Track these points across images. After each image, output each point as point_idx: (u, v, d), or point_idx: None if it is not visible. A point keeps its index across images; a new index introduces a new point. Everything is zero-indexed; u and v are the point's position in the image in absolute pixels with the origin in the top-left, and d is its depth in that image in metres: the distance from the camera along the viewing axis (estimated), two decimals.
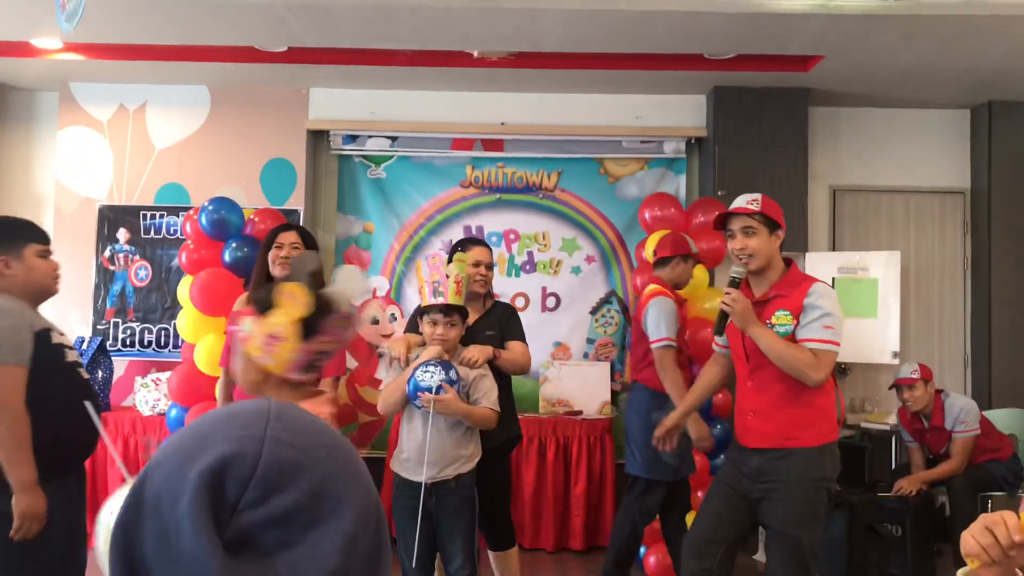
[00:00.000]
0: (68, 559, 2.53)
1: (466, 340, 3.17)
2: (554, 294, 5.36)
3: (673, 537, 3.81)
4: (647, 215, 4.67)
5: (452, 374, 2.88)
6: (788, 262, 2.90)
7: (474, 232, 5.36)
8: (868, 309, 4.85)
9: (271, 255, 3.32)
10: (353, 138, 5.36)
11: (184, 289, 4.56)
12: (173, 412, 4.53)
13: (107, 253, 5.23)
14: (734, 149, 5.05)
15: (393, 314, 5.32)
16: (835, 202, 5.43)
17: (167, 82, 5.26)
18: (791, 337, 2.75)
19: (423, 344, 3.08)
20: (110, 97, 5.30)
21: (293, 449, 0.64)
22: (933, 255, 5.44)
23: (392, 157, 5.39)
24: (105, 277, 5.23)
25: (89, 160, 5.28)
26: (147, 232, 5.23)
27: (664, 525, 3.91)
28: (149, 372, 5.05)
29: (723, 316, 2.85)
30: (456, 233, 5.35)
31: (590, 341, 5.32)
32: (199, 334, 4.46)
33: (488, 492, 3.30)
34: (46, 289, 2.63)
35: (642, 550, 4.27)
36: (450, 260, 3.32)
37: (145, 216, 5.25)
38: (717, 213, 3.02)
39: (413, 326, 3.26)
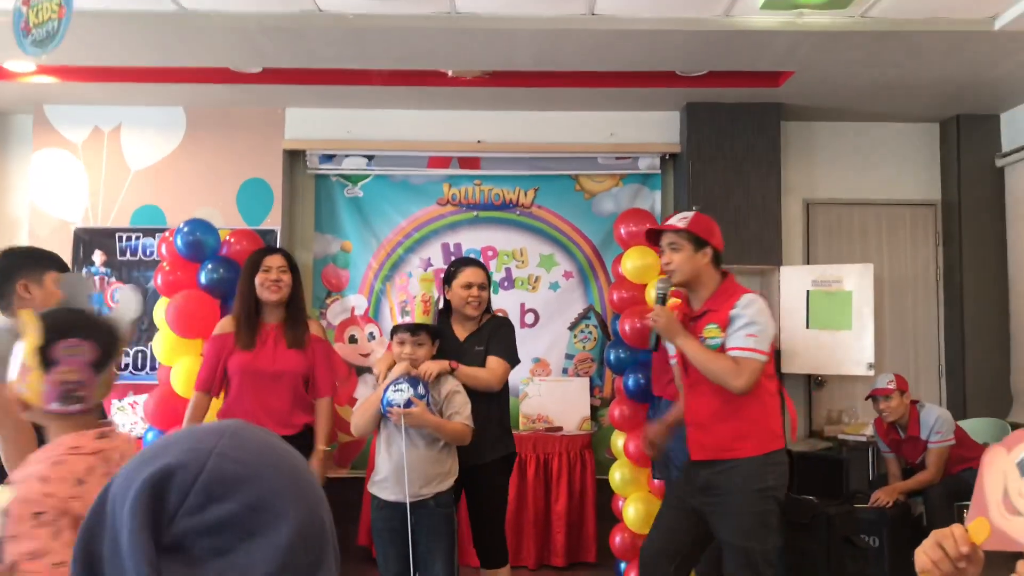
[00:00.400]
0: None
1: (457, 355, 3.19)
2: (532, 310, 5.38)
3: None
4: (623, 230, 4.69)
5: (421, 389, 2.93)
6: (725, 275, 2.96)
7: (452, 249, 5.37)
8: (843, 321, 4.89)
9: (258, 279, 3.33)
10: (330, 157, 5.37)
11: (160, 311, 4.53)
12: (150, 435, 4.49)
13: None
14: (708, 164, 5.10)
15: (372, 333, 5.32)
16: (809, 215, 5.49)
17: (142, 104, 5.25)
18: (721, 349, 2.80)
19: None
20: (85, 119, 5.29)
21: (238, 464, 0.69)
22: (906, 266, 5.50)
23: (369, 176, 5.40)
24: None
25: (64, 182, 5.26)
26: (123, 254, 5.21)
27: None
28: (126, 395, 5.01)
29: (654, 332, 2.93)
30: (434, 250, 5.36)
31: (569, 356, 5.33)
32: (175, 356, 4.43)
33: (482, 508, 3.30)
34: None
35: (623, 565, 4.27)
36: (447, 283, 3.34)
37: (121, 238, 5.23)
38: (647, 227, 3.10)
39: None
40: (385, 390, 2.94)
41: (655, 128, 5.38)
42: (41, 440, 2.38)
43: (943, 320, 5.45)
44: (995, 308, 5.21)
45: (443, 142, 5.34)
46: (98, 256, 5.21)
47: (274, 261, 3.36)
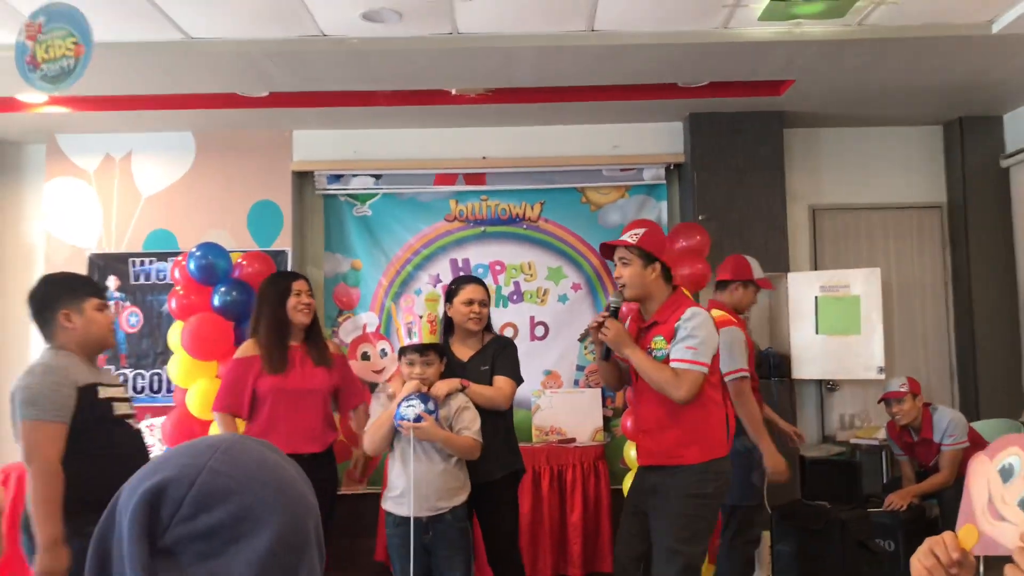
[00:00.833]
0: None
1: (461, 375, 3.26)
2: (542, 323, 5.41)
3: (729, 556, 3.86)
4: None
5: (430, 405, 3.03)
6: (675, 288, 3.07)
7: (460, 264, 5.42)
8: (851, 326, 4.91)
9: (291, 303, 3.46)
10: (337, 177, 5.43)
11: (175, 334, 4.60)
12: None
13: None
14: (712, 173, 5.13)
15: (384, 349, 5.37)
16: (815, 221, 5.51)
17: (152, 130, 5.34)
18: (667, 360, 2.91)
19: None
20: (96, 147, 5.38)
21: (227, 478, 0.78)
22: (914, 269, 5.51)
23: (377, 194, 5.46)
24: None
25: (77, 210, 5.34)
26: (137, 279, 5.28)
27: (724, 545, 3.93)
28: (143, 418, 5.07)
29: (603, 344, 3.05)
30: (443, 266, 5.41)
31: (580, 368, 5.36)
32: (191, 379, 4.49)
33: (494, 525, 3.34)
34: (102, 341, 2.76)
35: None
36: (448, 300, 3.42)
37: (134, 263, 5.30)
38: (601, 244, 3.21)
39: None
40: (398, 406, 3.02)
41: (659, 139, 5.42)
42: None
43: (953, 322, 5.45)
44: (1005, 308, 5.21)
45: (449, 159, 5.40)
46: (112, 281, 5.28)
47: (302, 285, 3.53)
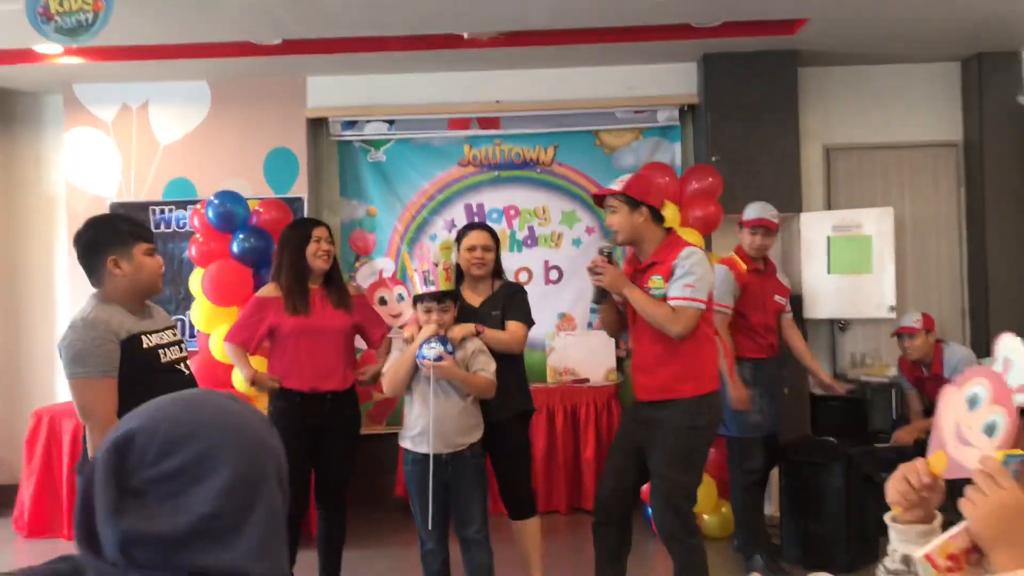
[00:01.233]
0: None
1: (472, 320, 3.35)
2: (556, 267, 5.48)
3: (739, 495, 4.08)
4: None
5: (449, 347, 3.15)
6: (669, 230, 3.19)
7: (475, 209, 5.47)
8: (863, 265, 4.93)
9: (311, 249, 3.53)
10: (352, 124, 5.46)
11: (196, 281, 4.70)
12: None
13: None
14: (726, 114, 5.12)
15: (400, 294, 5.46)
16: (829, 161, 5.49)
17: (168, 79, 5.38)
18: (665, 298, 3.02)
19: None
20: (113, 97, 5.43)
21: (188, 425, 0.90)
22: (929, 208, 5.50)
23: (391, 140, 5.49)
24: None
25: (97, 160, 5.42)
26: (157, 227, 5.37)
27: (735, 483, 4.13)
28: None
29: (599, 287, 3.17)
30: (457, 211, 5.47)
31: (593, 311, 5.42)
32: (213, 324, 4.61)
33: (507, 462, 3.47)
34: (152, 286, 2.67)
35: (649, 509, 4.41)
36: (457, 247, 3.50)
37: (155, 211, 5.40)
38: (593, 195, 3.36)
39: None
40: (419, 347, 3.13)
41: (672, 80, 5.39)
42: None
43: (966, 261, 5.46)
44: (1019, 247, 5.21)
45: (462, 104, 5.41)
46: None
47: (322, 232, 3.57)
